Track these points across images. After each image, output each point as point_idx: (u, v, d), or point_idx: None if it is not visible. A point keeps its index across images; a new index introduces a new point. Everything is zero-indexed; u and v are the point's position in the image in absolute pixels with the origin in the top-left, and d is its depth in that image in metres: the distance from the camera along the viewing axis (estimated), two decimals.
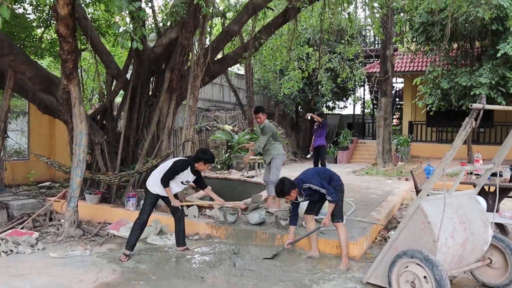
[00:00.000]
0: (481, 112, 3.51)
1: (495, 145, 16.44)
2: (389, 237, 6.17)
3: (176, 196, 5.46)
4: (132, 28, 4.69)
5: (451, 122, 17.35)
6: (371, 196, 8.79)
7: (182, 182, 5.31)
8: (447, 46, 13.09)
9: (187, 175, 5.25)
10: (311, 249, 5.29)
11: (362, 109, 24.37)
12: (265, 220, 6.15)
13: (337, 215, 4.96)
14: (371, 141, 19.61)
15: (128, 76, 8.25)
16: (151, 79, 8.36)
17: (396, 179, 11.84)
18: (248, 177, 11.44)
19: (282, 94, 17.56)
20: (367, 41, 20.73)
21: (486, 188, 6.61)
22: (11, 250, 5.28)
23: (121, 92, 8.60)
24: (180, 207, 5.42)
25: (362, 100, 23.59)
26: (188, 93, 6.90)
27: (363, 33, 20.16)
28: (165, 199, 5.38)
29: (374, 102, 23.79)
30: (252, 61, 15.57)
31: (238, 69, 18.76)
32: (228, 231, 6.02)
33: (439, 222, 3.76)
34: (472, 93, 12.00)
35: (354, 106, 22.27)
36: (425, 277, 3.63)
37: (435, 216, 3.84)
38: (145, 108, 8.07)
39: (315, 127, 10.73)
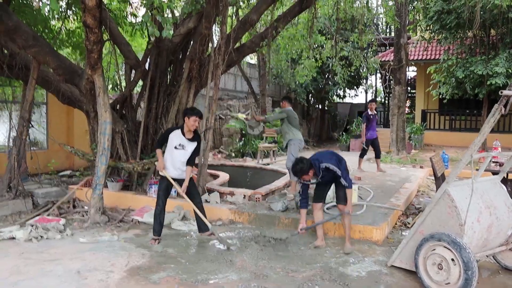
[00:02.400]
0: (511, 99, 3.55)
1: (510, 133, 16.38)
2: (408, 223, 6.28)
3: (177, 181, 5.29)
4: (159, 17, 4.75)
5: (463, 111, 17.27)
6: (388, 183, 8.85)
7: (175, 147, 5.21)
8: (462, 35, 12.99)
9: (179, 138, 5.19)
10: (317, 238, 5.17)
11: (374, 97, 24.24)
12: (289, 207, 6.25)
13: (343, 198, 5.00)
14: (383, 129, 19.51)
15: (146, 66, 8.33)
16: (169, 69, 8.45)
17: (411, 167, 11.86)
18: (263, 164, 11.54)
19: (294, 83, 17.61)
20: (380, 29, 20.55)
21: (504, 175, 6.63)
22: (41, 236, 5.44)
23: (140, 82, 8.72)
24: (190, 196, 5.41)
25: (374, 88, 23.45)
26: (208, 82, 6.97)
27: (376, 21, 20.01)
28: (181, 182, 5.34)
29: (386, 90, 23.71)
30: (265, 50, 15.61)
31: (250, 57, 18.77)
32: (251, 216, 6.13)
33: (466, 206, 3.83)
34: (488, 82, 11.93)
35: (366, 94, 22.22)
36: (452, 259, 3.71)
37: (462, 201, 3.90)
38: (163, 98, 8.16)
39: (369, 117, 9.93)
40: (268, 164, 11.67)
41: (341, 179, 4.87)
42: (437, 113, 17.98)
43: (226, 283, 3.99)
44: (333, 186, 5.30)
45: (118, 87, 10.12)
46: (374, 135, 10.02)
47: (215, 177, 9.01)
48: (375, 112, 10.05)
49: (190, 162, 5.35)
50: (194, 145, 5.33)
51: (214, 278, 4.08)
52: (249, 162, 12.44)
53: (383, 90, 24.10)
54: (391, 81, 22.77)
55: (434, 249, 3.83)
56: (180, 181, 5.34)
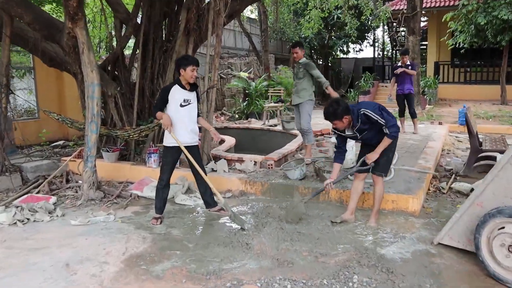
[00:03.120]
0: None
1: None
2: (443, 188, 5.56)
3: (189, 149, 4.47)
4: None
5: (480, 62, 16.25)
6: (410, 142, 8.08)
7: (181, 105, 4.40)
8: None
9: (181, 93, 4.39)
10: (347, 211, 4.36)
11: (381, 51, 23.07)
12: (307, 174, 5.50)
13: (381, 167, 4.14)
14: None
15: (138, 20, 7.38)
16: (164, 22, 7.50)
17: (429, 123, 11.06)
18: (270, 125, 10.74)
19: (298, 37, 16.48)
20: None
21: None
22: (28, 219, 4.74)
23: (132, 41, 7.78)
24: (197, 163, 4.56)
25: (382, 41, 22.24)
26: (209, 35, 6.04)
27: None
28: (190, 149, 4.53)
29: (395, 43, 22.49)
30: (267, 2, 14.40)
31: (251, 11, 17.54)
32: (265, 186, 5.41)
33: None
34: None
35: (375, 47, 21.04)
36: None
37: None
38: (159, 55, 7.28)
39: (400, 69, 8.84)
40: (275, 125, 10.87)
41: (384, 128, 3.88)
42: (451, 65, 16.95)
43: (245, 274, 3.28)
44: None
45: (110, 47, 9.16)
46: (406, 90, 8.99)
47: (220, 141, 8.25)
48: (408, 63, 8.96)
49: (199, 114, 4.65)
50: (195, 95, 4.56)
51: (229, 269, 3.37)
52: (255, 123, 11.65)
53: (391, 43, 22.90)
54: (400, 32, 21.59)
55: (503, 227, 3.09)
56: (192, 148, 4.56)
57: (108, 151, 6.62)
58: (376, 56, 23.07)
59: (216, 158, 6.46)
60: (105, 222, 4.58)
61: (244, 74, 14.77)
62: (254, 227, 4.25)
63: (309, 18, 11.80)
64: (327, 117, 3.95)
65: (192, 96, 4.49)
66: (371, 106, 4.00)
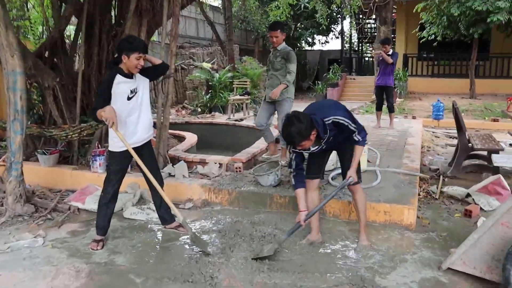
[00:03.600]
0: None
1: (491, 79, 15.35)
2: (433, 192, 4.91)
3: (138, 149, 3.60)
4: None
5: (448, 55, 16.02)
6: (388, 138, 7.46)
7: (129, 98, 3.49)
8: None
9: (126, 83, 3.46)
10: (312, 231, 3.60)
11: (348, 44, 22.64)
12: (282, 180, 4.70)
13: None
14: (361, 77, 18.16)
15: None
16: (113, 3, 6.47)
17: (402, 117, 10.56)
18: (236, 120, 9.88)
19: (265, 26, 15.66)
20: None
21: None
22: None
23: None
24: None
25: (349, 33, 21.79)
26: (165, 14, 5.10)
27: None
28: (143, 147, 3.68)
29: (361, 35, 22.15)
30: None
31: None
32: (232, 195, 4.56)
33: None
34: (488, 19, 10.50)
35: (343, 39, 20.51)
36: None
37: None
38: (107, 41, 6.23)
39: (380, 58, 8.22)
40: (241, 119, 10.02)
41: (355, 135, 3.19)
42: (418, 58, 16.66)
43: None
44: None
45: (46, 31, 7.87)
46: (383, 82, 8.32)
47: (180, 139, 7.32)
48: (389, 53, 8.23)
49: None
50: (145, 80, 3.63)
51: None
52: (219, 118, 10.76)
53: (358, 35, 22.52)
54: (368, 24, 21.22)
55: None
56: (145, 147, 3.68)
57: (45, 154, 5.56)
58: (337, 48, 22.62)
59: (175, 160, 5.55)
60: (30, 248, 3.60)
61: (207, 65, 13.78)
62: (220, 251, 3.40)
63: (277, 4, 10.93)
64: (290, 140, 3.04)
65: (139, 82, 3.55)
66: (340, 111, 3.21)
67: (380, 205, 3.97)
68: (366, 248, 3.43)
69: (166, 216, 3.91)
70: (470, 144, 5.52)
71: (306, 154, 3.46)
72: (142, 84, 3.58)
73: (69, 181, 5.30)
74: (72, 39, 6.65)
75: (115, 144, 3.54)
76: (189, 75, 13.54)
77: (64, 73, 6.17)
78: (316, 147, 3.24)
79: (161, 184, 3.81)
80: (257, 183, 4.69)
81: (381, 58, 8.18)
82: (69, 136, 4.91)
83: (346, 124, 3.13)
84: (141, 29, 5.90)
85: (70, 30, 7.54)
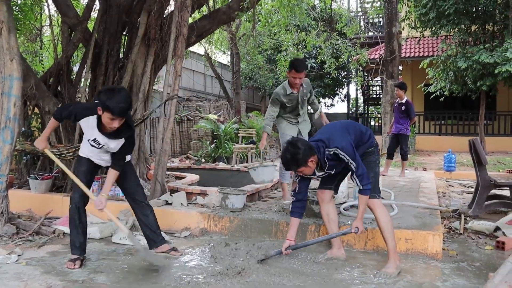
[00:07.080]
0: None
1: (500, 136, 15.17)
2: (456, 229, 4.45)
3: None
4: None
5: (451, 114, 16.02)
6: (400, 183, 7.05)
7: (89, 141, 3.21)
8: (463, 22, 11.56)
9: (92, 132, 3.13)
10: (333, 247, 3.38)
11: (355, 106, 22.86)
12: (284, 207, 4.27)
13: (371, 188, 3.08)
14: None
15: (91, 29, 6.31)
16: (122, 34, 6.45)
17: (413, 169, 10.18)
18: (241, 166, 9.54)
19: (272, 82, 15.82)
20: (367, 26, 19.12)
21: None
22: None
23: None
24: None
25: (355, 94, 22.06)
26: (173, 32, 4.94)
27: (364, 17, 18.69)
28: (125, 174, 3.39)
29: (366, 97, 22.38)
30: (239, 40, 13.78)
31: (222, 51, 16.90)
32: (234, 223, 4.12)
33: None
34: (496, 70, 10.47)
35: (349, 101, 20.73)
36: None
37: None
38: (113, 71, 6.13)
39: (396, 105, 7.92)
40: (246, 167, 9.68)
41: (354, 178, 3.02)
42: (427, 118, 16.62)
43: None
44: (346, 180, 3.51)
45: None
46: (396, 130, 7.90)
47: (181, 179, 6.96)
48: (403, 101, 7.82)
49: (116, 161, 3.28)
50: (120, 142, 3.21)
51: None
52: (222, 166, 10.44)
53: (363, 97, 22.76)
54: (373, 86, 21.53)
55: None
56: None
57: (36, 179, 5.21)
58: (344, 111, 22.81)
59: (173, 192, 5.16)
60: (1, 265, 3.15)
61: (213, 116, 13.75)
62: (217, 281, 2.92)
63: (285, 55, 11.00)
64: (287, 166, 3.08)
65: (109, 142, 3.17)
66: (344, 142, 3.04)
67: (400, 232, 3.52)
68: (389, 276, 2.94)
69: (153, 236, 3.48)
70: (491, 181, 5.11)
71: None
72: (114, 143, 3.19)
73: (60, 209, 4.87)
74: (78, 67, 6.56)
75: (82, 150, 3.39)
76: (194, 125, 13.45)
77: (66, 101, 6.00)
78: (322, 173, 3.17)
79: (145, 199, 3.50)
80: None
81: (396, 105, 7.98)
82: (63, 155, 4.58)
83: (346, 160, 3.00)
84: (148, 58, 5.83)
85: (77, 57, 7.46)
